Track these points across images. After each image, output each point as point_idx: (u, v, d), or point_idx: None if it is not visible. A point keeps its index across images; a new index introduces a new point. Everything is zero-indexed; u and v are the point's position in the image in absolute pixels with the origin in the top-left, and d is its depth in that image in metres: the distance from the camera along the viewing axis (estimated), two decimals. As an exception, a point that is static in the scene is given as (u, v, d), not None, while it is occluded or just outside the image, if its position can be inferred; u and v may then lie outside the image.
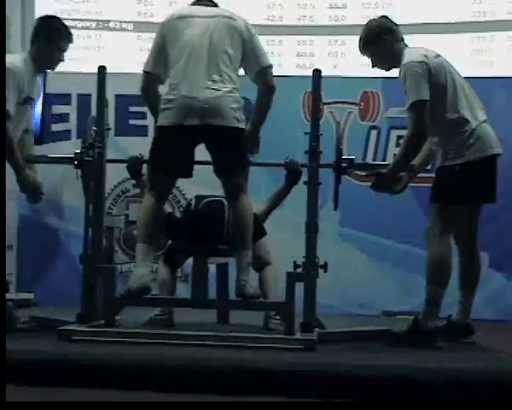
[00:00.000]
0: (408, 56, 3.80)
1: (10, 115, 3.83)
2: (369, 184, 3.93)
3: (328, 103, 5.25)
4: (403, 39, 3.94)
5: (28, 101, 3.99)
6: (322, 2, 6.31)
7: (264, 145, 5.48)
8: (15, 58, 4.01)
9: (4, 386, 2.64)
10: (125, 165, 4.35)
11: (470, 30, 6.07)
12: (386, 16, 4.04)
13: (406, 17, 5.91)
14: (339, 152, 3.85)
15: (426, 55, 3.79)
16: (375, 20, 4.01)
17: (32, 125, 4.20)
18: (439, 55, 3.87)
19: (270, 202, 4.28)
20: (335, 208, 3.81)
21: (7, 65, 3.85)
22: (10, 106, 3.83)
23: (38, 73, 4.10)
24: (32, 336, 3.81)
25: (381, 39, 3.90)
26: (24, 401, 2.70)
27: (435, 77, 3.76)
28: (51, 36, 4.00)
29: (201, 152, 3.75)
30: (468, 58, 6.01)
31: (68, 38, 4.04)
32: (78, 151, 3.82)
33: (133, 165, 4.32)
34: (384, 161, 5.43)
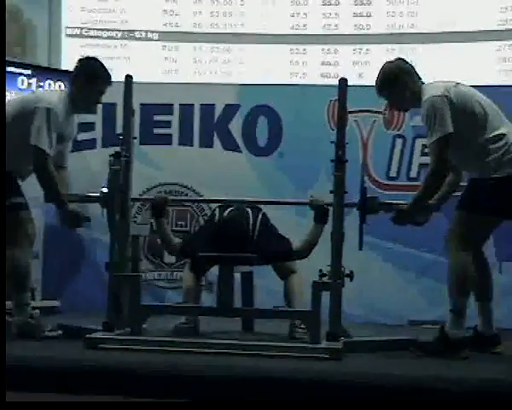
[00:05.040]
0: (428, 92, 3.77)
1: (49, 154, 3.85)
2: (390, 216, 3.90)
3: (353, 112, 5.22)
4: (420, 78, 3.91)
5: (61, 140, 3.99)
6: (346, 10, 6.30)
7: (289, 154, 5.58)
8: (54, 97, 4.02)
9: (4, 386, 2.67)
10: (151, 203, 4.36)
11: (496, 38, 6.04)
12: (402, 58, 4.01)
13: (432, 26, 5.92)
14: (363, 192, 3.86)
15: (445, 88, 3.76)
16: (391, 62, 3.96)
17: (67, 161, 4.18)
18: (458, 84, 3.83)
19: (307, 242, 4.23)
20: (360, 248, 3.79)
21: (46, 104, 3.88)
22: (50, 146, 3.85)
23: (74, 113, 4.11)
24: (59, 343, 3.83)
25: (399, 81, 3.87)
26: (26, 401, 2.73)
27: (461, 105, 3.73)
28: (91, 77, 4.01)
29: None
30: (495, 66, 5.98)
31: (108, 80, 4.05)
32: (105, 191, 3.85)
33: (158, 203, 4.28)
34: (409, 170, 5.43)
